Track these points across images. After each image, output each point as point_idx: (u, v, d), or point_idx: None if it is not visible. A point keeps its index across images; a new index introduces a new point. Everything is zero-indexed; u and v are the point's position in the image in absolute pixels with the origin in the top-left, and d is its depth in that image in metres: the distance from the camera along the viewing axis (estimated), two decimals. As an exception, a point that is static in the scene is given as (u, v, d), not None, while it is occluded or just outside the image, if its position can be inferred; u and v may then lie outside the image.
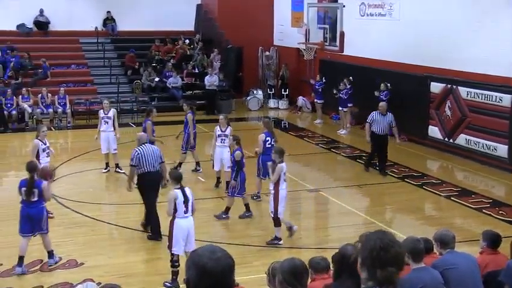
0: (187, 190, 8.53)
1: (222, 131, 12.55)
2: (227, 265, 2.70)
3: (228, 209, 11.19)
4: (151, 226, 10.28)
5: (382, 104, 14.68)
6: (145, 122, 13.59)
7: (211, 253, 2.71)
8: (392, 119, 14.37)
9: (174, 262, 8.50)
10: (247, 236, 10.42)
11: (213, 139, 12.66)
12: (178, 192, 8.42)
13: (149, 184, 10.23)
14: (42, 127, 11.79)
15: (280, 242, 10.01)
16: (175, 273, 8.51)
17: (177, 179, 8.56)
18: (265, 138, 11.86)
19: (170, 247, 8.49)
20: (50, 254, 9.22)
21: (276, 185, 9.82)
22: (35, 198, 8.86)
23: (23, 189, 8.92)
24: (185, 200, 8.41)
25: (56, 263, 9.21)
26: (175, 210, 8.39)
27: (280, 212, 9.95)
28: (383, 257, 2.87)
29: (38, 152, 11.18)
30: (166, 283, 8.53)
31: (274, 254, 8.99)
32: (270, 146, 11.62)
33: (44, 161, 11.01)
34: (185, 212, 8.44)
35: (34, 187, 8.85)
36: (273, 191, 9.93)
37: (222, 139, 12.49)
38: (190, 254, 2.77)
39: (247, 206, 11.34)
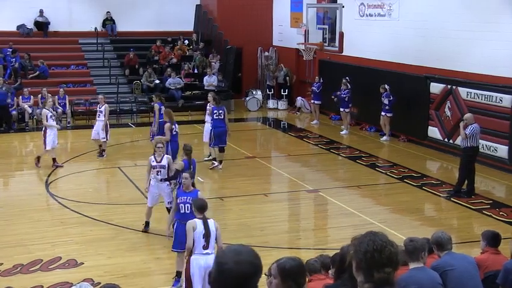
0: (211, 222, 7.52)
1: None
2: (247, 270, 2.68)
3: None
4: None
5: (468, 115, 12.69)
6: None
7: (235, 255, 2.70)
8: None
9: None
10: (247, 237, 10.39)
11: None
12: (199, 222, 7.48)
13: None
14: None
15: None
16: None
17: (201, 208, 7.63)
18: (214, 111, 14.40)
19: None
20: None
21: None
22: None
23: None
24: (207, 233, 7.38)
25: None
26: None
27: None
28: (378, 259, 2.86)
29: None
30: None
31: (274, 255, 8.97)
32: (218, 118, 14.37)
33: None
34: (205, 248, 7.40)
35: None
36: None
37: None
38: (219, 250, 2.79)
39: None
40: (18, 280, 8.62)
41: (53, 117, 14.83)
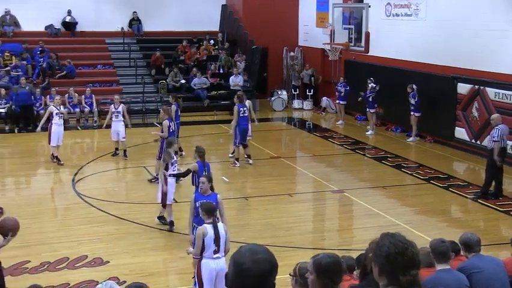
0: (220, 226, 7.48)
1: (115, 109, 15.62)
2: (265, 268, 2.68)
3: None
4: None
5: (495, 115, 12.61)
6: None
7: (252, 254, 2.70)
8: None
9: None
10: (272, 237, 10.38)
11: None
12: (209, 227, 7.38)
13: None
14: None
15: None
16: None
17: (208, 211, 7.49)
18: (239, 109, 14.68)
19: None
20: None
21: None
22: None
23: None
24: (217, 238, 7.33)
25: None
26: (203, 249, 7.36)
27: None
28: (401, 261, 2.82)
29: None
30: None
31: (298, 255, 8.95)
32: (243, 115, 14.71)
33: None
34: (216, 252, 7.39)
35: None
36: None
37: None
38: (236, 250, 2.77)
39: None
40: (46, 277, 8.71)
41: (59, 115, 15.16)
